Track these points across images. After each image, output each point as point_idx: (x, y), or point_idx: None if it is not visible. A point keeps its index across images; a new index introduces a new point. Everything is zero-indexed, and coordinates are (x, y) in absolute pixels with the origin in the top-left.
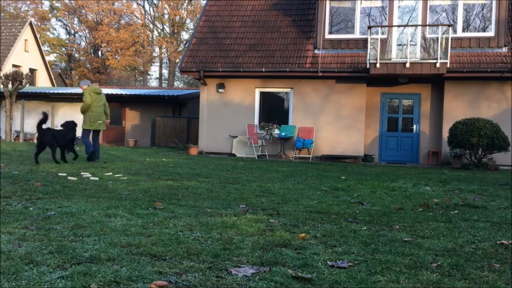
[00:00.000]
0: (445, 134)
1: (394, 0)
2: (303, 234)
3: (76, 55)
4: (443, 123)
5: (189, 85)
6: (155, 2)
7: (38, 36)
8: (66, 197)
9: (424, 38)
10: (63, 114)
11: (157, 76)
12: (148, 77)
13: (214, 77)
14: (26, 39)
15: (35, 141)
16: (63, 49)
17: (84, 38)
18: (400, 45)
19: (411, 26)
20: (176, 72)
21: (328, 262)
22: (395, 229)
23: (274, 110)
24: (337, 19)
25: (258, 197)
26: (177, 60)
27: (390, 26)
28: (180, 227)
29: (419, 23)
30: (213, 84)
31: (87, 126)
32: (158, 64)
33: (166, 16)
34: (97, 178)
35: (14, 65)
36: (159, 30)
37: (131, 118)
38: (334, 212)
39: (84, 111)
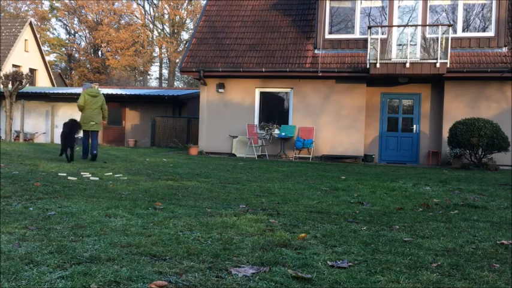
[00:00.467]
0: (445, 134)
1: (394, 0)
2: (303, 234)
3: (76, 55)
4: (443, 123)
5: (189, 85)
6: (155, 2)
7: (38, 36)
8: (66, 197)
9: (424, 38)
10: (63, 114)
11: (157, 76)
12: (148, 77)
13: (214, 77)
14: (26, 39)
15: (35, 141)
16: (63, 49)
17: (84, 38)
18: (400, 45)
19: (411, 26)
20: (176, 72)
21: (328, 262)
22: (395, 229)
23: (274, 110)
24: (337, 19)
25: (258, 197)
26: (177, 60)
27: (390, 26)
28: (180, 227)
29: (419, 23)
30: (213, 84)
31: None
32: (158, 64)
33: (166, 16)
34: (97, 178)
35: (14, 65)
36: (159, 30)
37: (131, 118)
38: (334, 212)
39: (80, 110)
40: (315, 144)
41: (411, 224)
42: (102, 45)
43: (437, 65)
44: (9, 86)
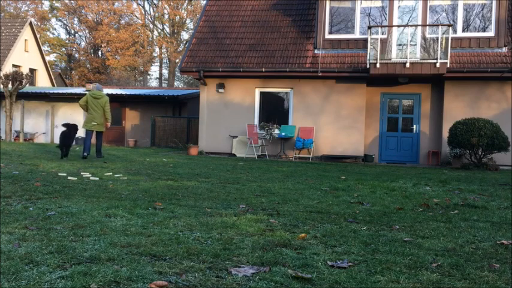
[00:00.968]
0: (445, 134)
1: (394, 0)
2: (303, 234)
3: (76, 55)
4: (443, 123)
5: (189, 85)
6: (155, 2)
7: (38, 36)
8: (66, 197)
9: (424, 38)
10: (63, 114)
11: (157, 76)
12: (148, 77)
13: (214, 77)
14: (26, 39)
15: (35, 141)
16: (63, 49)
17: (84, 38)
18: (400, 45)
19: (411, 26)
20: (176, 72)
21: (328, 262)
22: (395, 229)
23: (274, 110)
24: (337, 19)
25: (258, 197)
26: (177, 60)
27: (390, 26)
28: (180, 227)
29: (419, 23)
30: (213, 84)
31: (83, 126)
32: (158, 64)
33: (166, 16)
34: (97, 178)
35: (14, 65)
36: (159, 30)
37: (131, 118)
38: (334, 212)
39: (84, 110)
40: (315, 144)
41: (411, 224)
42: (102, 45)
43: (437, 65)
44: (9, 86)
